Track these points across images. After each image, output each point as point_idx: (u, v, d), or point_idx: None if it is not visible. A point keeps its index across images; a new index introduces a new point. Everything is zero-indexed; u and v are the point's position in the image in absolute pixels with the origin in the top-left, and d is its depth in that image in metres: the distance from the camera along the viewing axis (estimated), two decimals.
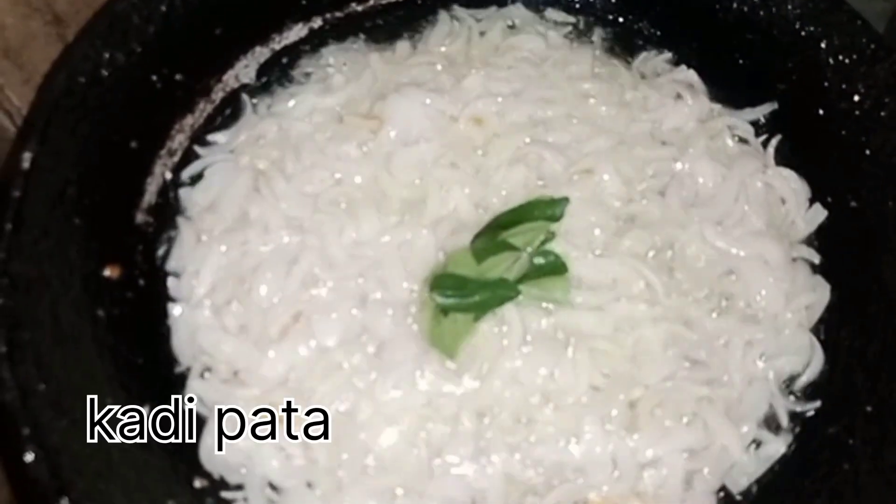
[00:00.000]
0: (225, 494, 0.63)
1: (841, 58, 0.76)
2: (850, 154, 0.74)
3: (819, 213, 0.76)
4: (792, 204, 0.76)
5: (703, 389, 0.67)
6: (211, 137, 0.77)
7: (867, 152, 0.73)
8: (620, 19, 0.87)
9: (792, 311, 0.72)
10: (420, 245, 0.71)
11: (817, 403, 0.69)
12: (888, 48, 0.75)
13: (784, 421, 0.68)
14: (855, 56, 0.75)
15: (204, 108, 0.78)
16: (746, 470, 0.67)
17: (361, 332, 0.68)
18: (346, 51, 0.83)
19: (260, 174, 0.74)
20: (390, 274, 0.70)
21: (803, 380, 0.70)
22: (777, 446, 0.67)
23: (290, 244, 0.70)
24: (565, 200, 0.72)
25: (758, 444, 0.67)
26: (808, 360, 0.70)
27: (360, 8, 0.85)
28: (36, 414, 0.56)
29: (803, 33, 0.78)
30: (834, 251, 0.74)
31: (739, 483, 0.66)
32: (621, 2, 0.87)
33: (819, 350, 0.70)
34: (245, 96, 0.79)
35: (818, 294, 0.73)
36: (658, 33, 0.86)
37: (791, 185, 0.77)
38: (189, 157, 0.76)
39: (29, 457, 0.54)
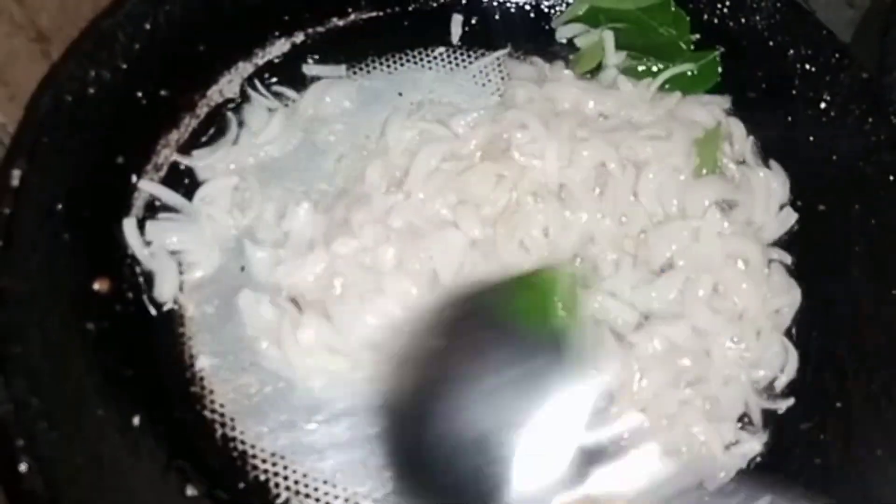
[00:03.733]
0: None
1: (808, 67, 0.78)
2: (817, 160, 0.77)
3: (790, 216, 0.78)
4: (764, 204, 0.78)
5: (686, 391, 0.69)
6: (196, 153, 0.78)
7: (834, 158, 0.76)
8: None
9: (767, 313, 0.73)
10: None
11: (791, 401, 0.71)
12: (853, 57, 0.78)
13: (758, 419, 0.70)
14: (821, 65, 0.78)
15: (189, 123, 0.79)
16: (724, 467, 0.68)
17: None
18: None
19: None
20: None
21: (780, 382, 0.72)
22: (753, 444, 0.69)
23: None
24: None
25: (735, 442, 0.69)
26: (784, 363, 0.72)
27: (341, 23, 0.86)
28: (29, 426, 0.57)
29: (771, 43, 0.80)
30: (803, 254, 0.76)
31: (716, 479, 0.68)
32: None
33: (794, 353, 0.72)
34: (230, 115, 0.80)
35: (791, 296, 0.74)
36: None
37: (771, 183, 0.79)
38: (175, 171, 0.77)
39: (23, 467, 0.55)
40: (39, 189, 0.65)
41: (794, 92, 0.79)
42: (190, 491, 0.64)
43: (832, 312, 0.72)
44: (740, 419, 0.70)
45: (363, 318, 0.69)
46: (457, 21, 0.87)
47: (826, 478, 0.65)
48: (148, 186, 0.74)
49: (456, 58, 0.87)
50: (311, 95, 0.81)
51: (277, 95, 0.82)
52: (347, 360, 0.69)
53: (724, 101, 0.82)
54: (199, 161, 0.77)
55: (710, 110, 0.81)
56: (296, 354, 0.69)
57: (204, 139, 0.79)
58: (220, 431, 0.67)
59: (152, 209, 0.74)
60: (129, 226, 0.72)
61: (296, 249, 0.72)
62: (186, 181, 0.77)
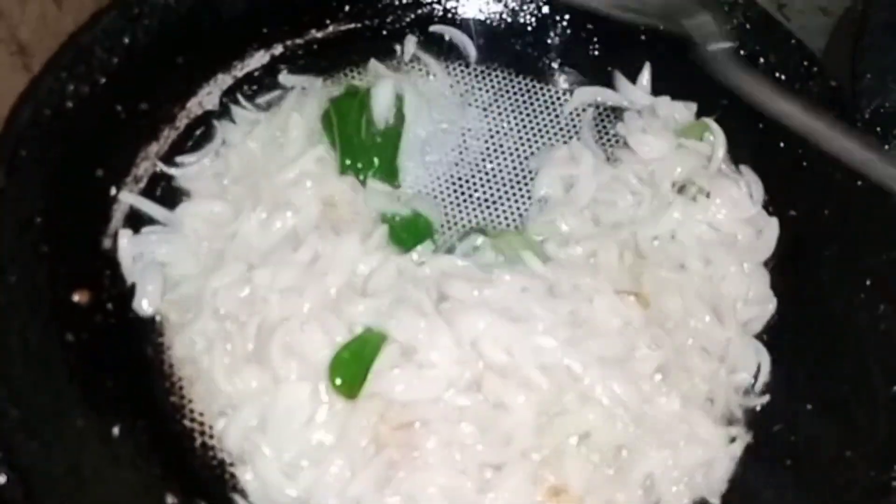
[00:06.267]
0: None
1: (777, 74, 0.80)
2: (788, 166, 0.78)
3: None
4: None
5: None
6: (179, 160, 0.79)
7: (804, 164, 0.77)
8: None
9: (746, 318, 0.75)
10: None
11: (766, 398, 0.72)
12: (822, 65, 0.80)
13: (740, 417, 0.71)
14: (790, 73, 0.79)
15: (168, 136, 0.80)
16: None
17: None
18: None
19: None
20: None
21: (756, 387, 0.73)
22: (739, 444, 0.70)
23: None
24: None
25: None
26: (758, 367, 0.73)
27: (319, 35, 0.87)
28: (8, 437, 0.57)
29: (742, 52, 0.82)
30: (774, 258, 0.78)
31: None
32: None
33: (766, 357, 0.73)
34: (215, 122, 0.81)
35: (767, 302, 0.76)
36: (600, 54, 0.89)
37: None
38: (154, 182, 0.78)
39: (2, 479, 0.56)
40: (18, 201, 0.66)
41: None
42: (170, 500, 0.64)
43: (803, 316, 0.73)
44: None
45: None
46: (410, 40, 0.88)
47: (796, 479, 0.66)
48: (130, 198, 0.75)
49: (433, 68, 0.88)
50: (288, 105, 0.82)
51: (257, 107, 0.83)
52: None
53: (692, 107, 0.84)
54: (181, 170, 0.78)
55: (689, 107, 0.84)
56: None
57: (184, 151, 0.80)
58: (199, 440, 0.68)
59: (132, 221, 0.75)
60: (123, 237, 0.73)
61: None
62: (166, 193, 0.77)
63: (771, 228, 0.78)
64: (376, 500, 0.64)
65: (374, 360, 0.66)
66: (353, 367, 0.66)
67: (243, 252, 0.72)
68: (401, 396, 0.65)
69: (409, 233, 0.77)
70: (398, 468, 0.64)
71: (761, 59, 0.81)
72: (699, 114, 0.84)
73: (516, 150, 0.84)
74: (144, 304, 0.72)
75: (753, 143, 0.81)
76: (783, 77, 0.80)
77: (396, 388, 0.65)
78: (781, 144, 0.79)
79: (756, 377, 0.73)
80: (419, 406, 0.65)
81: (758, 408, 0.72)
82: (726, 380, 0.71)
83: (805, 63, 0.79)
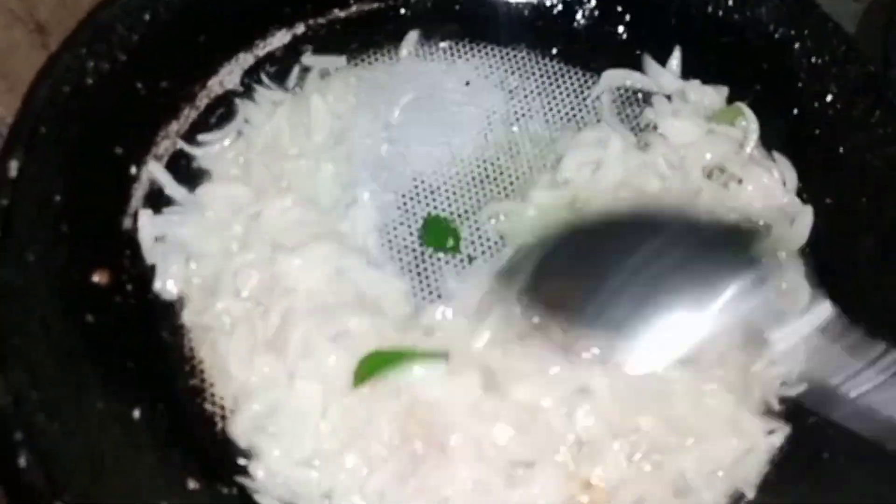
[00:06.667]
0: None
1: (814, 59, 0.78)
2: (824, 153, 0.76)
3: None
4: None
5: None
6: (201, 138, 0.77)
7: (840, 151, 0.75)
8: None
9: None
10: None
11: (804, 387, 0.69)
12: (859, 49, 0.77)
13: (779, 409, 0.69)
14: (827, 57, 0.77)
15: (189, 115, 0.78)
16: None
17: None
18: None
19: None
20: None
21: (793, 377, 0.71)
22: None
23: None
24: None
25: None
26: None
27: (342, 14, 0.85)
28: (28, 419, 0.56)
29: (776, 36, 0.79)
30: (809, 248, 0.76)
31: None
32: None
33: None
34: (237, 101, 0.80)
35: (802, 292, 0.73)
36: (629, 36, 0.87)
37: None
38: (175, 162, 0.76)
39: (22, 462, 0.54)
40: (37, 180, 0.65)
41: (799, 85, 0.78)
42: (191, 484, 0.63)
43: (840, 306, 0.71)
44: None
45: None
46: (411, 37, 0.86)
47: (834, 473, 0.64)
48: (155, 169, 0.74)
49: (458, 50, 0.86)
50: (310, 86, 0.81)
51: (280, 87, 0.81)
52: None
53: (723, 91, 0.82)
54: (202, 149, 0.77)
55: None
56: None
57: (204, 130, 0.78)
58: (220, 425, 0.67)
59: (151, 201, 0.74)
60: (144, 216, 0.72)
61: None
62: (186, 174, 0.76)
63: (805, 217, 0.76)
64: (399, 494, 0.62)
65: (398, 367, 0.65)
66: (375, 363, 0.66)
67: (267, 235, 0.71)
68: (432, 398, 0.64)
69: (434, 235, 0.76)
70: (423, 462, 0.63)
71: (796, 44, 0.78)
72: (731, 98, 0.82)
73: (542, 133, 0.82)
74: (165, 286, 0.71)
75: (787, 128, 0.79)
76: (819, 62, 0.77)
77: (429, 391, 0.65)
78: (816, 131, 0.77)
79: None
80: (451, 407, 0.64)
81: (795, 398, 0.70)
82: (764, 370, 0.69)
83: (842, 47, 0.77)
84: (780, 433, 0.68)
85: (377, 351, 0.66)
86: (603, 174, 0.77)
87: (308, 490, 0.63)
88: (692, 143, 0.79)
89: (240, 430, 0.65)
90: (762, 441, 0.67)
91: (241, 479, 0.64)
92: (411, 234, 0.76)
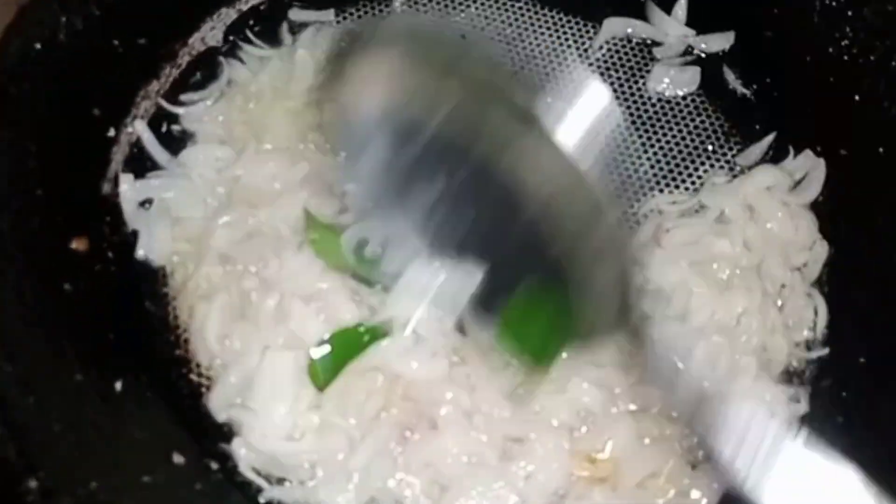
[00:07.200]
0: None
1: (828, 1, 0.73)
2: (838, 101, 0.72)
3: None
4: None
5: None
6: (184, 98, 0.74)
7: (856, 98, 0.71)
8: None
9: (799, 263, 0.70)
10: None
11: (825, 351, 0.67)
12: None
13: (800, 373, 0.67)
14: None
15: (170, 73, 0.75)
16: None
17: None
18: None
19: None
20: None
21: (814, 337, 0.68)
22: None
23: None
24: None
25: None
26: (815, 317, 0.68)
27: None
28: (2, 393, 0.54)
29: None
30: (824, 201, 0.72)
31: None
32: None
33: (823, 306, 0.68)
34: (221, 59, 0.76)
35: (818, 245, 0.71)
36: None
37: None
38: (156, 124, 0.73)
39: None
40: (9, 143, 0.62)
41: (812, 29, 0.74)
42: (177, 458, 0.60)
43: (856, 262, 0.68)
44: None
45: None
46: None
47: (848, 437, 0.61)
48: (139, 128, 0.71)
49: (453, 1, 0.83)
50: (297, 43, 0.77)
51: (265, 44, 0.78)
52: None
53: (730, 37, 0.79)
54: (185, 109, 0.74)
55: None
56: None
57: (187, 89, 0.75)
58: (206, 396, 0.64)
59: (132, 165, 0.71)
60: (126, 181, 0.69)
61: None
62: (167, 136, 0.73)
63: (818, 170, 0.73)
64: (386, 468, 0.60)
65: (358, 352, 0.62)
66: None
67: (251, 194, 0.68)
68: (412, 375, 0.62)
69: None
70: (411, 435, 0.60)
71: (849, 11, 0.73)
72: (739, 44, 0.78)
73: (540, 85, 0.79)
74: (148, 252, 0.68)
75: (801, 78, 0.75)
76: (833, 3, 0.72)
77: (409, 365, 0.62)
78: (831, 79, 0.73)
79: (814, 329, 0.68)
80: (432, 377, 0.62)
81: (815, 360, 0.67)
82: (785, 335, 0.66)
83: None
84: (804, 401, 0.65)
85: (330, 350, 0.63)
86: None
87: (293, 463, 0.60)
88: None
89: (217, 404, 0.63)
90: (783, 409, 0.64)
91: (227, 452, 0.62)
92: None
